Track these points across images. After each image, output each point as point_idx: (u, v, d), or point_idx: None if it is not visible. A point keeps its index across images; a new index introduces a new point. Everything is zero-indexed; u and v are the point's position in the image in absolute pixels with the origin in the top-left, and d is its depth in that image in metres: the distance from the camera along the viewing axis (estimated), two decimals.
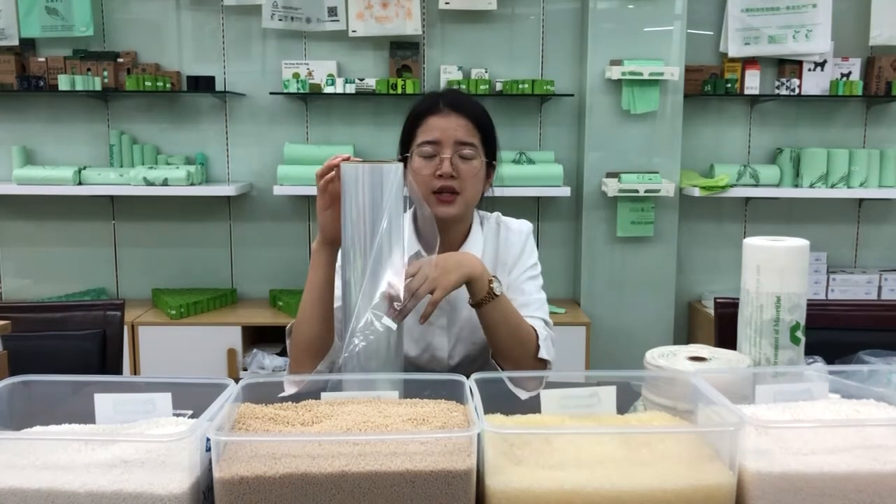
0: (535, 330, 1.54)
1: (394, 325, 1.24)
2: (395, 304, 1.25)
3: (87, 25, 3.26)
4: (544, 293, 1.67)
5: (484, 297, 1.42)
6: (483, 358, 1.63)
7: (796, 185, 3.37)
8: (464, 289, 1.44)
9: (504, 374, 1.14)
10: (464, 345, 1.62)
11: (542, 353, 1.52)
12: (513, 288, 1.64)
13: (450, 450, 0.90)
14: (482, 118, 1.58)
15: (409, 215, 1.67)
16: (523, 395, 1.15)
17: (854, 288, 3.42)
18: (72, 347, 1.75)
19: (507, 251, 1.67)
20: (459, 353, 1.63)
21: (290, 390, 1.15)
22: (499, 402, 1.04)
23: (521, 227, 1.70)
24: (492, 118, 1.62)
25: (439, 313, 1.58)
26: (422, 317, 1.36)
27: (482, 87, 3.22)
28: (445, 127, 1.53)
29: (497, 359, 1.55)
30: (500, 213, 1.74)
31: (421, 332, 1.60)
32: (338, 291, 1.43)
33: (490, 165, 1.62)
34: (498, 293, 1.43)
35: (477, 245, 1.65)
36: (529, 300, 1.62)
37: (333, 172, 1.34)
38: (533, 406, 1.03)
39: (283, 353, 3.14)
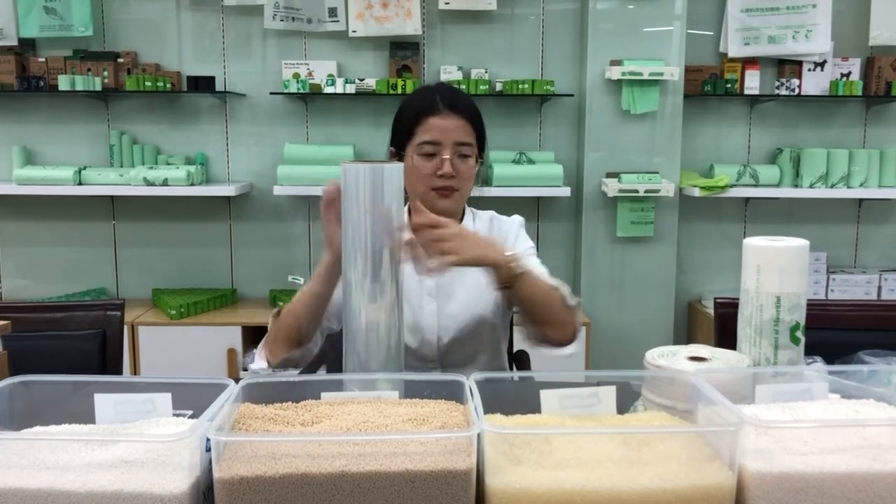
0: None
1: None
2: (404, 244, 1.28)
3: (87, 25, 3.26)
4: (545, 268, 1.68)
5: (507, 280, 1.40)
6: (473, 346, 1.67)
7: (796, 186, 3.37)
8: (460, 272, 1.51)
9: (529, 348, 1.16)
10: (453, 321, 1.65)
11: (570, 301, 1.51)
12: None
13: (450, 450, 0.90)
14: (476, 117, 1.65)
15: (404, 211, 1.68)
16: (568, 350, 1.26)
17: (854, 288, 3.42)
18: (72, 347, 1.75)
19: (503, 240, 1.71)
20: (447, 335, 1.65)
21: (260, 364, 1.15)
22: (499, 402, 1.04)
23: (514, 219, 1.79)
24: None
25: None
26: (427, 268, 1.32)
27: (482, 87, 3.21)
28: (445, 127, 1.59)
29: (536, 332, 1.53)
30: (494, 212, 1.80)
31: (411, 313, 1.63)
32: (338, 290, 1.43)
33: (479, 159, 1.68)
34: (518, 272, 1.40)
35: None
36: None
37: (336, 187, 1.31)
38: (533, 406, 1.03)
39: None
